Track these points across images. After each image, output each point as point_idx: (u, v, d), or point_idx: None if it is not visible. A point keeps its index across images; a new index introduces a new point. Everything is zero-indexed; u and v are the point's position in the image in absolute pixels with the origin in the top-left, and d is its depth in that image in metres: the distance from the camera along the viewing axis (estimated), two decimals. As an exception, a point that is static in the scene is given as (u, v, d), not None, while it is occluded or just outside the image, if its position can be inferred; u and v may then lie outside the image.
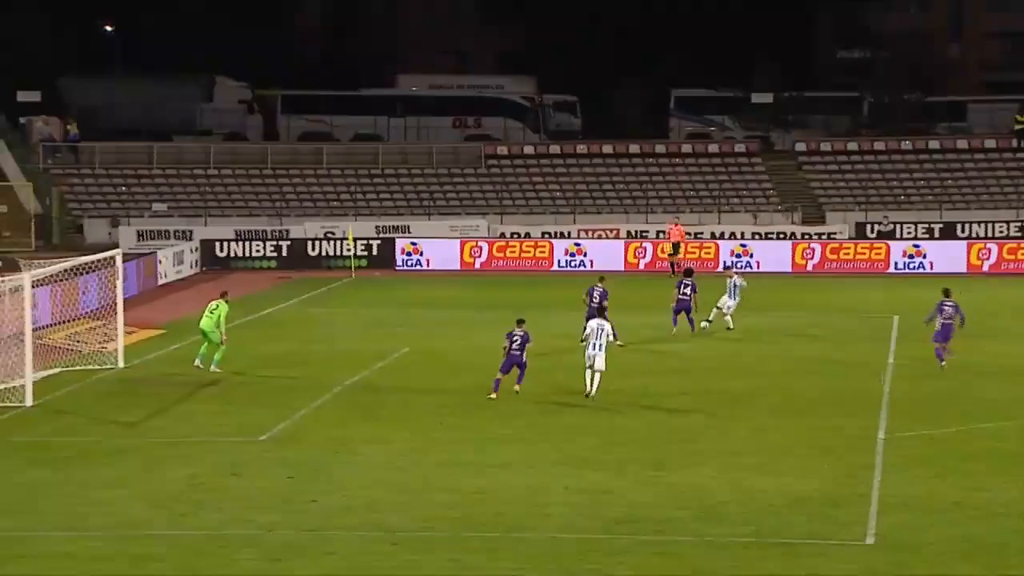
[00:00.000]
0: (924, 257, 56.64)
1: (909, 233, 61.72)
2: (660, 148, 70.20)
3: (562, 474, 24.65)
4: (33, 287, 32.24)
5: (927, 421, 28.86)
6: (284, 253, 58.80)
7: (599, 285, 36.95)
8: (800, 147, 70.32)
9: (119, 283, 36.42)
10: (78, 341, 38.10)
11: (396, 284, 53.77)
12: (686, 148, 70.54)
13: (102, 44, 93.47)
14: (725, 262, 53.70)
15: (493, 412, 29.79)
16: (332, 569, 19.78)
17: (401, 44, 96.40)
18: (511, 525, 21.71)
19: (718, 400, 31.08)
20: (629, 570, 19.72)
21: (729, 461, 25.50)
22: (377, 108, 75.81)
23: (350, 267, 56.30)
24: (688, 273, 39.81)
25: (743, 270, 53.30)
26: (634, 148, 69.50)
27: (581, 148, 70.01)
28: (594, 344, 30.51)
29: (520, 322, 31.29)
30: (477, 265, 57.70)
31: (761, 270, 55.99)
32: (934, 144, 69.82)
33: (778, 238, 60.05)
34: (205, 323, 34.05)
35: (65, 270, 37.06)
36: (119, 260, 36.83)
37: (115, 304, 36.17)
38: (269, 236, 60.52)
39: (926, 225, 62.48)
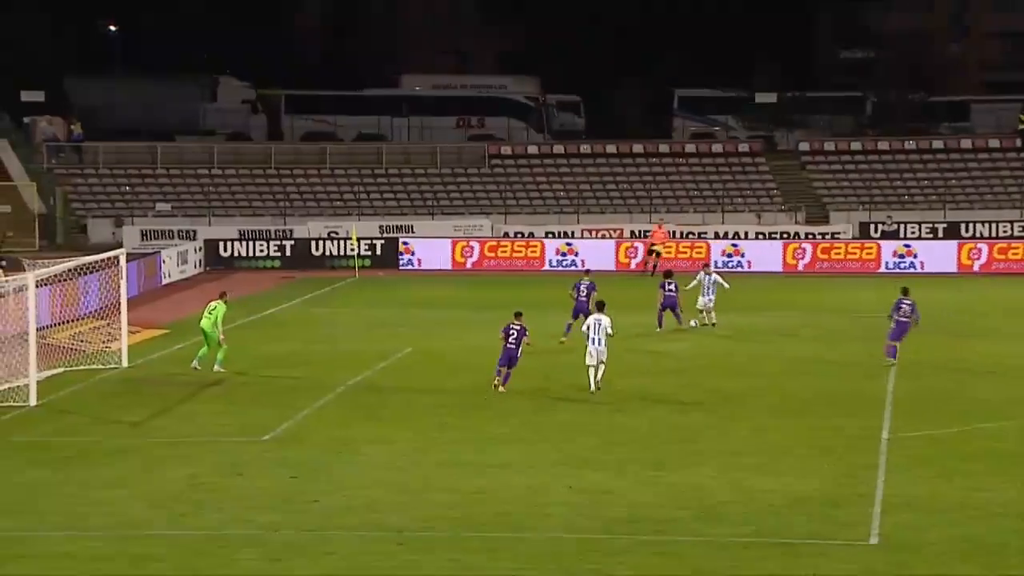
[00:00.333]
0: (915, 257, 56.64)
1: (913, 233, 61.72)
2: (664, 148, 70.23)
3: (562, 474, 24.68)
4: (37, 287, 32.28)
5: (928, 421, 28.87)
6: (288, 253, 58.85)
7: (585, 279, 37.60)
8: (804, 147, 70.34)
9: (123, 283, 36.49)
10: (82, 341, 38.16)
11: (399, 284, 53.81)
12: (690, 148, 70.57)
13: (105, 44, 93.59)
14: (715, 262, 53.67)
15: (493, 412, 29.83)
16: (333, 569, 19.81)
17: (402, 44, 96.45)
18: (512, 525, 21.73)
19: (716, 400, 31.10)
20: (629, 570, 19.74)
21: (729, 461, 25.52)
22: (381, 108, 75.88)
23: (354, 267, 56.35)
24: (668, 274, 40.46)
25: (734, 270, 53.56)
26: (638, 148, 69.53)
27: (585, 148, 70.05)
28: (593, 339, 30.97)
29: (518, 315, 31.77)
30: (469, 265, 57.72)
31: (752, 270, 56.02)
32: (937, 144, 69.83)
33: (769, 238, 60.08)
34: (205, 323, 34.18)
35: (69, 270, 37.12)
36: (123, 260, 36.88)
37: (119, 304, 36.22)
38: (273, 236, 60.57)
39: (930, 225, 62.48)
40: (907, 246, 57.54)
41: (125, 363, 35.08)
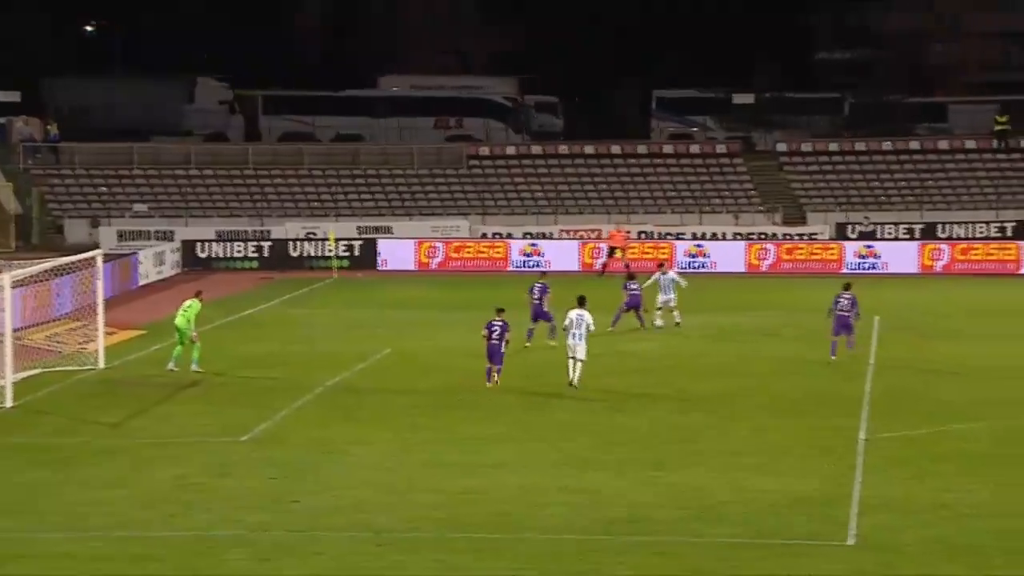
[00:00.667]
0: (877, 257, 56.77)
1: (890, 233, 61.89)
2: (642, 149, 70.26)
3: (557, 474, 24.67)
4: (13, 288, 32.13)
5: (904, 422, 28.93)
6: (265, 254, 58.71)
7: (540, 281, 37.91)
8: (781, 147, 70.46)
9: (99, 284, 36.34)
10: (58, 342, 38.01)
11: (378, 285, 53.73)
12: (668, 149, 70.61)
13: (83, 44, 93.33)
14: (679, 263, 53.75)
15: (478, 411, 29.81)
16: (321, 569, 19.77)
17: (383, 45, 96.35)
18: (509, 525, 21.69)
19: (704, 401, 31.13)
20: (629, 570, 19.74)
21: (726, 461, 25.56)
22: (359, 109, 75.81)
23: (332, 268, 56.25)
24: (631, 276, 40.95)
25: (698, 271, 53.67)
26: (616, 149, 69.55)
27: (563, 149, 70.05)
28: (574, 334, 31.47)
29: (500, 311, 32.18)
30: (433, 266, 57.63)
31: (717, 270, 56.09)
32: (915, 145, 70.00)
33: (734, 238, 60.22)
34: (180, 320, 34.13)
35: (45, 271, 36.97)
36: (99, 261, 36.73)
37: (95, 305, 36.08)
38: (250, 237, 60.42)
39: (907, 225, 62.64)
40: (869, 247, 57.74)
41: (102, 364, 34.95)
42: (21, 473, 25.06)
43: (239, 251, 58.71)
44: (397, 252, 58.28)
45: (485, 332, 31.69)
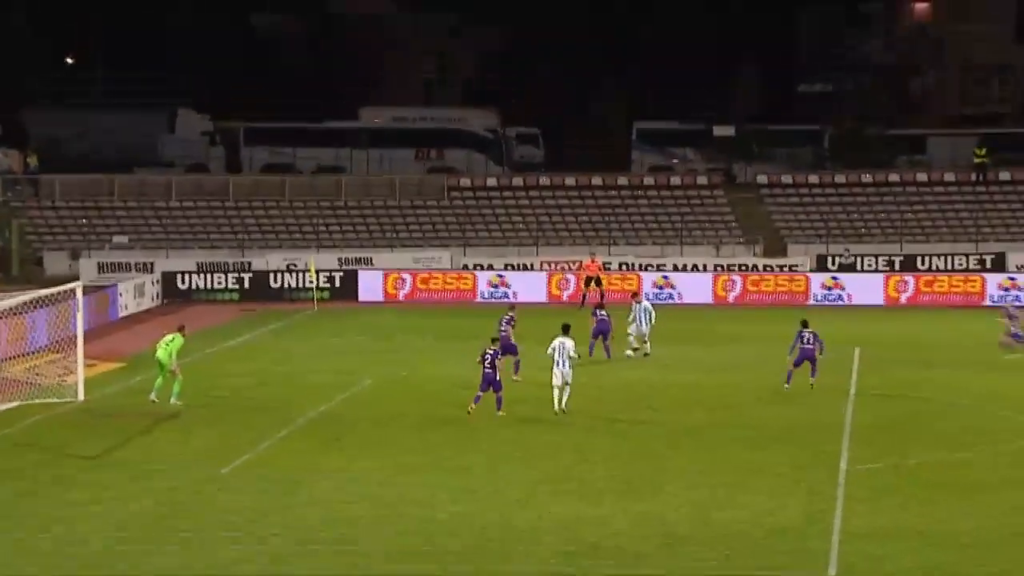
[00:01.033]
0: (843, 289, 56.89)
1: (870, 265, 62.06)
2: (623, 180, 70.39)
3: (533, 503, 24.61)
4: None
5: (886, 451, 28.95)
6: (246, 285, 58.56)
7: (509, 313, 38.05)
8: (762, 179, 70.68)
9: (79, 315, 36.19)
10: (37, 374, 37.84)
11: (358, 315, 53.65)
12: (648, 180, 70.75)
13: (63, 75, 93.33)
14: (647, 294, 53.87)
15: (457, 442, 29.76)
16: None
17: (365, 76, 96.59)
18: (481, 556, 21.62)
19: (684, 431, 31.11)
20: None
21: (704, 492, 25.52)
22: (340, 140, 75.91)
23: (312, 299, 56.18)
24: (600, 306, 41.26)
25: (665, 302, 53.74)
26: (596, 180, 69.67)
27: (544, 180, 70.15)
28: (559, 361, 32.15)
29: (494, 340, 33.21)
30: (401, 297, 57.56)
31: (683, 301, 56.13)
32: (894, 177, 70.29)
33: (699, 270, 60.34)
34: (161, 353, 34.02)
35: (24, 303, 36.81)
36: (79, 293, 36.60)
37: (75, 337, 35.94)
38: (231, 268, 60.29)
39: (887, 257, 62.83)
40: (835, 278, 57.87)
41: (82, 396, 34.78)
42: None
43: (220, 283, 58.57)
44: (369, 283, 58.19)
45: (479, 361, 32.14)
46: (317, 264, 57.96)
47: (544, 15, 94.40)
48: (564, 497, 25.14)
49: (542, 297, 56.83)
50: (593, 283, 54.19)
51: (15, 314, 38.08)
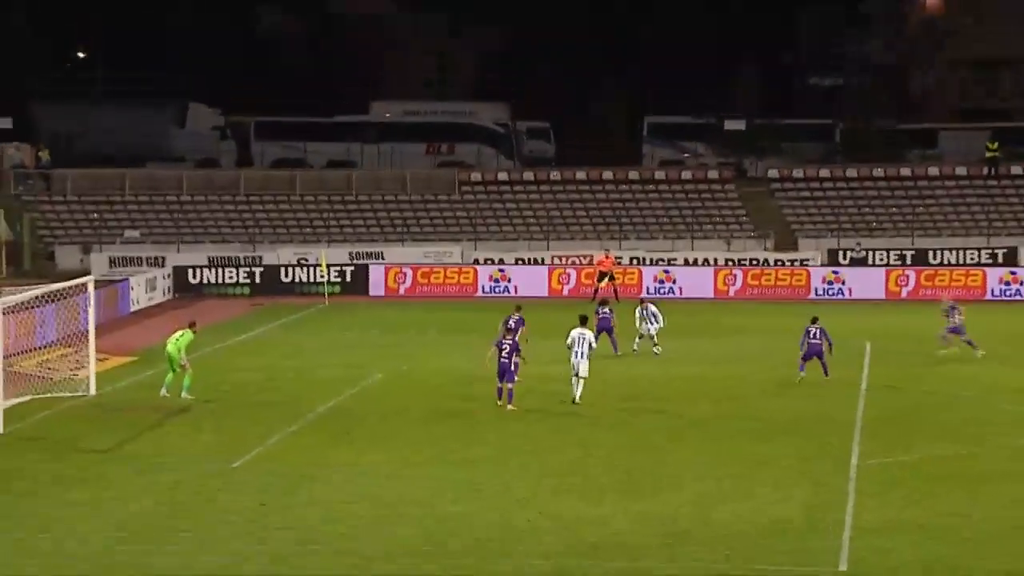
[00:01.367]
0: (843, 283, 56.81)
1: (881, 260, 61.97)
2: (634, 174, 70.36)
3: (536, 499, 24.62)
4: (3, 314, 32.06)
5: (896, 445, 28.93)
6: (257, 280, 58.65)
7: (516, 314, 37.69)
8: (773, 174, 70.59)
9: (91, 310, 36.27)
10: (49, 368, 37.92)
11: (370, 309, 53.70)
12: (659, 175, 70.71)
13: (74, 70, 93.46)
14: (648, 288, 53.84)
15: (465, 436, 29.79)
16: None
17: (375, 71, 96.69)
18: (485, 552, 21.65)
19: (685, 424, 31.11)
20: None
21: (713, 486, 25.51)
22: (351, 135, 75.93)
23: (323, 293, 56.22)
24: (604, 303, 41.37)
25: (666, 296, 53.71)
26: (607, 174, 69.65)
27: (555, 175, 70.14)
28: (577, 352, 32.54)
29: (508, 330, 33.41)
30: (401, 291, 57.55)
31: (684, 296, 56.10)
32: (905, 171, 70.18)
33: (701, 264, 60.29)
34: (171, 348, 34.13)
35: (36, 297, 36.88)
36: (91, 287, 36.67)
37: (86, 331, 36.01)
38: (242, 263, 60.36)
39: (898, 252, 62.74)
40: (835, 272, 57.81)
41: (93, 391, 34.86)
42: (3, 499, 24.93)
43: (231, 277, 58.65)
44: (380, 278, 58.17)
45: (495, 351, 32.23)
46: (328, 259, 58.00)
47: (544, 15, 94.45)
48: (568, 493, 25.10)
49: (543, 292, 56.82)
50: (607, 279, 54.20)
51: (27, 308, 38.13)
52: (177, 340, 34.08)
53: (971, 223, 66.66)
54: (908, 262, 61.32)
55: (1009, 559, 21.35)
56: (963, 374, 37.72)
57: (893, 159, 72.63)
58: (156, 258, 61.27)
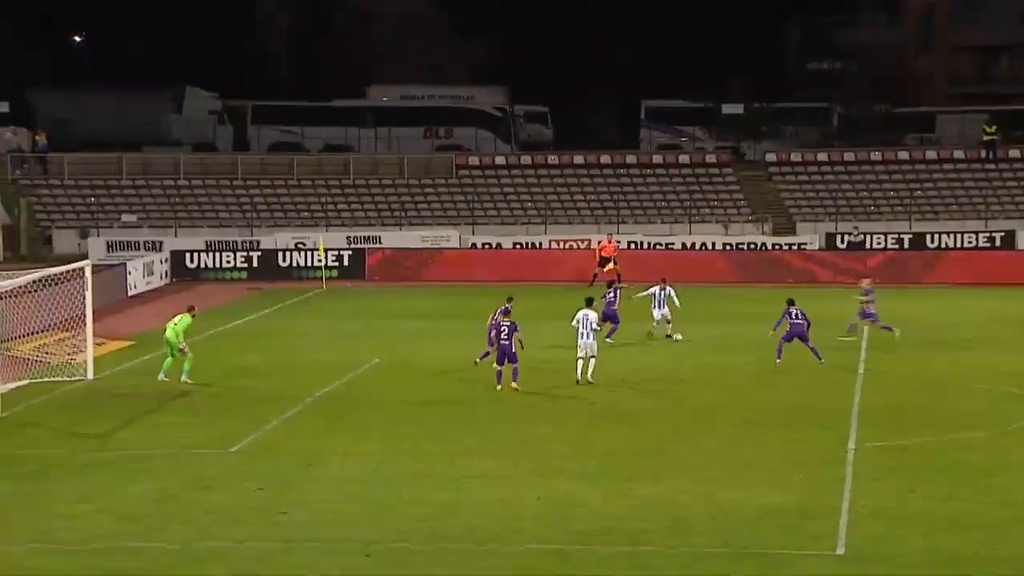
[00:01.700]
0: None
1: (879, 243, 61.95)
2: (631, 159, 70.29)
3: (535, 485, 24.61)
4: (1, 298, 32.02)
5: (893, 432, 28.92)
6: (254, 264, 58.62)
7: (506, 304, 35.97)
8: (770, 158, 70.54)
9: (88, 294, 36.22)
10: (46, 353, 37.88)
11: (367, 295, 53.68)
12: (657, 159, 70.65)
13: (70, 55, 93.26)
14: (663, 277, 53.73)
15: (462, 422, 29.78)
16: (302, 583, 19.74)
17: (372, 55, 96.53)
18: (483, 538, 21.65)
19: (685, 412, 31.11)
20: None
21: (709, 473, 25.48)
22: (348, 119, 75.78)
23: (321, 278, 56.17)
24: (610, 284, 41.19)
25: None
26: (605, 159, 69.58)
27: (552, 159, 70.07)
28: (582, 332, 32.90)
29: (506, 312, 33.25)
30: (399, 276, 57.42)
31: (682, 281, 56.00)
32: (903, 155, 70.13)
33: (699, 248, 60.24)
34: (169, 333, 34.15)
35: (33, 281, 36.82)
36: (88, 271, 36.61)
37: (83, 316, 35.96)
38: (239, 247, 60.31)
39: (896, 235, 62.72)
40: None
41: (91, 375, 34.83)
42: (1, 484, 24.93)
43: (228, 261, 58.60)
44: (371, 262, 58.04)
45: (494, 334, 32.28)
46: (325, 243, 57.95)
47: (541, 13, 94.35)
48: (568, 479, 25.09)
49: (540, 276, 56.72)
50: (611, 263, 54.12)
51: (24, 293, 38.07)
52: (176, 325, 34.09)
53: (969, 207, 66.63)
54: (905, 246, 61.30)
55: (1010, 548, 21.32)
56: (965, 359, 37.71)
57: (891, 143, 72.58)
58: (153, 242, 61.23)
